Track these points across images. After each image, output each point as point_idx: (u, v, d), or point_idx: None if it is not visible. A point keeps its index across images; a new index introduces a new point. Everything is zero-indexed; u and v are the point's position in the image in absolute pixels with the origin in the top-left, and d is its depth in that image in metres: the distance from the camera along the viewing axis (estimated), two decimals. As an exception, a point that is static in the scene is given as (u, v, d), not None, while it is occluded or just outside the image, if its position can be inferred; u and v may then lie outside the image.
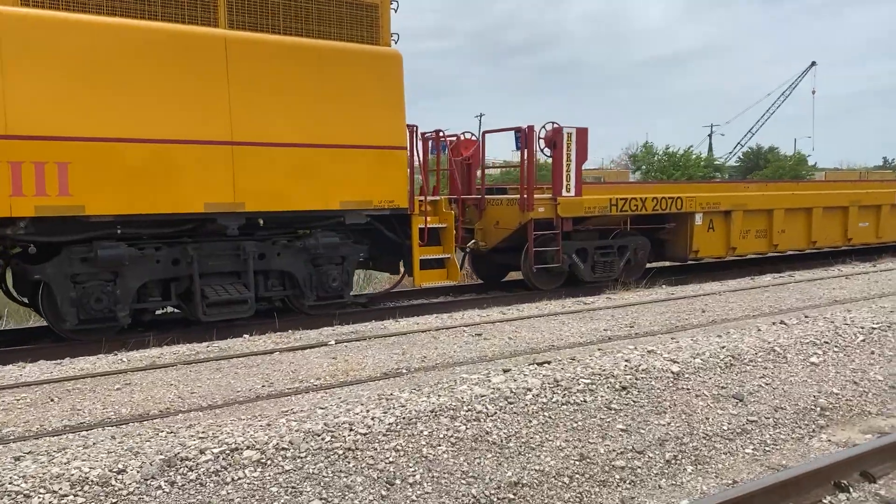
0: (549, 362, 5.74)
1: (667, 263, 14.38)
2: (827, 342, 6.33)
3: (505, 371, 5.40)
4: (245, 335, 7.78)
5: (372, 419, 4.24)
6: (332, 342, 7.14)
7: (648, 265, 14.45)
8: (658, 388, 5.10)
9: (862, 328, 6.76)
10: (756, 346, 6.07)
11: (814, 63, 77.90)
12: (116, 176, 7.93)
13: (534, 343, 7.10)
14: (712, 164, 37.82)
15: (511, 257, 12.24)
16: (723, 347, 5.99)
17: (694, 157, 36.46)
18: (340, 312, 9.77)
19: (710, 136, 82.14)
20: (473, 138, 13.42)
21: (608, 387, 5.03)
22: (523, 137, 11.50)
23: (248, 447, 3.83)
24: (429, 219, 10.75)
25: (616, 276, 12.60)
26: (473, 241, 12.23)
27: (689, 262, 13.91)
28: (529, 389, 4.85)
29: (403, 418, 4.29)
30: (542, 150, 11.87)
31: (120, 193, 7.98)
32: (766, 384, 5.42)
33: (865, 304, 8.52)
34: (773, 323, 7.34)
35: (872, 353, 6.23)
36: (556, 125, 11.70)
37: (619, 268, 12.66)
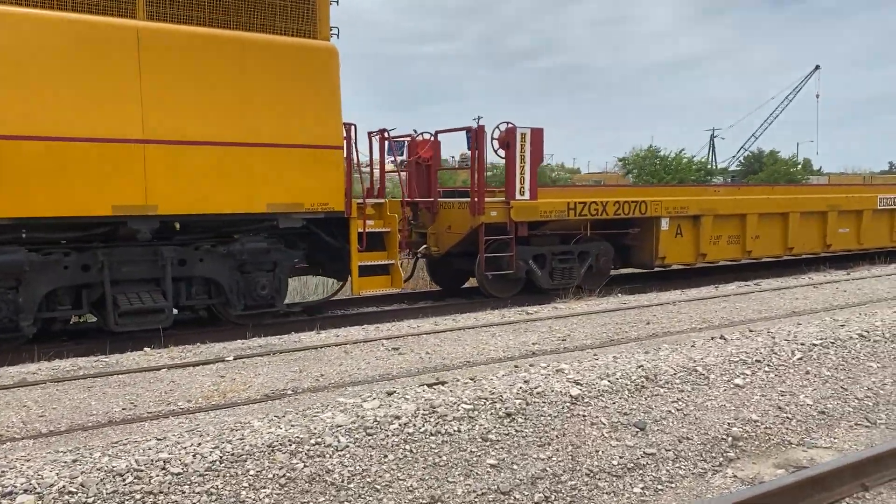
0: (442, 383, 5.19)
1: (636, 270, 13.81)
2: (759, 360, 5.75)
3: (389, 394, 4.85)
4: (146, 348, 7.24)
5: (194, 455, 3.69)
6: (231, 358, 6.60)
7: (617, 272, 13.92)
8: (549, 415, 4.54)
9: (803, 344, 6.18)
10: (679, 366, 5.50)
11: (818, 67, 77.41)
12: (12, 176, 7.41)
13: (449, 359, 6.54)
14: (705, 168, 37.16)
15: (468, 263, 11.69)
16: (640, 367, 5.42)
17: (686, 160, 35.84)
18: (258, 324, 9.22)
19: (712, 139, 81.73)
20: (432, 138, 12.87)
21: (492, 413, 4.47)
22: (474, 137, 10.95)
23: (25, 490, 3.29)
24: (371, 222, 10.22)
25: (576, 283, 12.04)
26: (425, 245, 11.69)
27: (656, 270, 13.34)
28: (398, 417, 4.29)
29: (233, 454, 3.74)
30: (495, 152, 11.33)
31: (16, 195, 7.46)
32: (678, 410, 4.85)
33: (820, 317, 7.94)
34: (713, 338, 6.77)
35: (807, 372, 5.66)
36: (510, 125, 11.16)
37: (580, 275, 12.10)
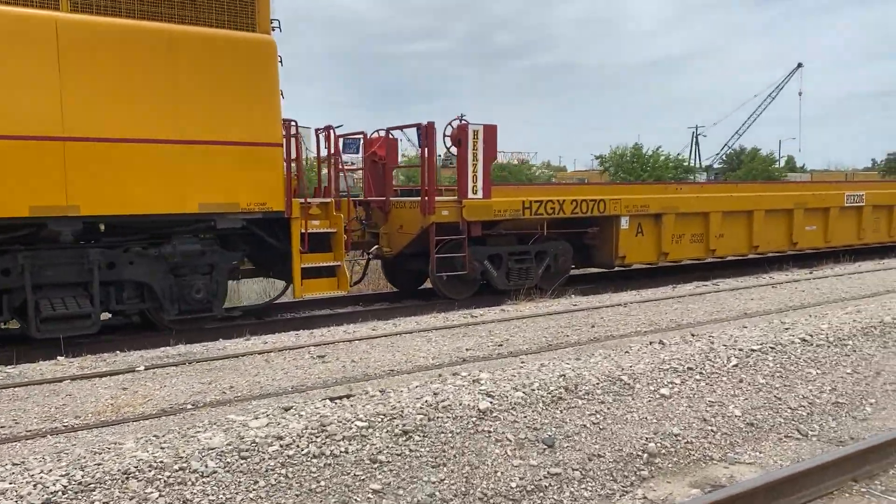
0: (349, 396, 4.86)
1: (598, 270, 13.53)
2: (692, 368, 5.47)
3: (285, 410, 4.51)
4: (59, 357, 6.86)
5: (35, 485, 3.34)
6: (142, 368, 6.23)
7: (582, 272, 13.63)
8: (451, 432, 4.22)
9: (741, 350, 5.90)
10: (604, 374, 5.20)
11: (800, 65, 77.58)
12: (-84, 176, 7.01)
13: (374, 368, 6.21)
14: (682, 165, 37.01)
15: (423, 263, 11.36)
16: (562, 376, 5.12)
17: (663, 157, 35.66)
18: (193, 329, 8.85)
19: (696, 137, 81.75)
20: (390, 136, 12.51)
21: (387, 431, 4.14)
22: (424, 134, 10.61)
23: None
24: (317, 222, 9.87)
25: (534, 283, 11.74)
26: (376, 246, 11.34)
27: (618, 269, 13.07)
28: (280, 438, 3.96)
29: (80, 482, 3.39)
30: (448, 149, 11.00)
31: (-78, 196, 7.06)
32: (594, 424, 4.55)
33: (769, 319, 7.68)
34: (651, 343, 6.48)
35: (741, 381, 5.38)
36: (462, 121, 10.83)
37: (538, 275, 11.80)
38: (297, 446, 3.91)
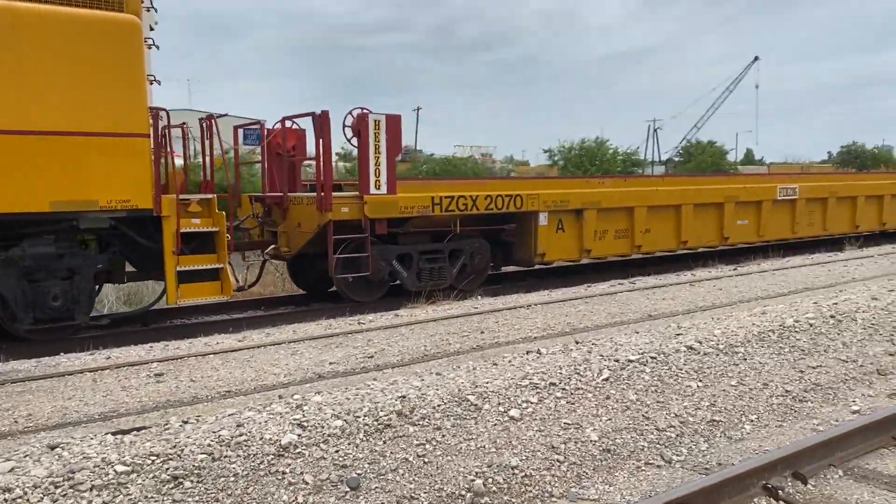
0: (140, 429, 4.13)
1: (522, 269, 12.95)
2: (555, 383, 4.86)
3: (52, 448, 3.77)
4: None
5: None
6: (-61, 391, 5.41)
7: (514, 270, 13.04)
8: (235, 476, 3.53)
9: (618, 361, 5.33)
10: (451, 394, 4.56)
11: (756, 58, 78.45)
12: None
13: (211, 388, 5.49)
14: (631, 159, 36.77)
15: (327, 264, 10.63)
16: (401, 397, 4.46)
17: (611, 150, 35.38)
18: (51, 339, 8.02)
19: (655, 131, 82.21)
20: (296, 128, 11.73)
21: (154, 477, 3.43)
22: (318, 124, 9.87)
23: None
24: (197, 221, 9.06)
25: (447, 284, 11.11)
26: (273, 246, 10.57)
27: (538, 267, 12.53)
28: (8, 490, 3.22)
29: None
30: (348, 140, 10.28)
31: None
32: (419, 457, 3.90)
33: (669, 322, 7.15)
34: (528, 352, 5.87)
35: (608, 397, 4.80)
36: (363, 110, 10.12)
37: (452, 275, 11.17)
38: (28, 501, 3.18)
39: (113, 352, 6.88)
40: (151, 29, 9.50)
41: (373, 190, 10.02)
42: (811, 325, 6.53)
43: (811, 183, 16.13)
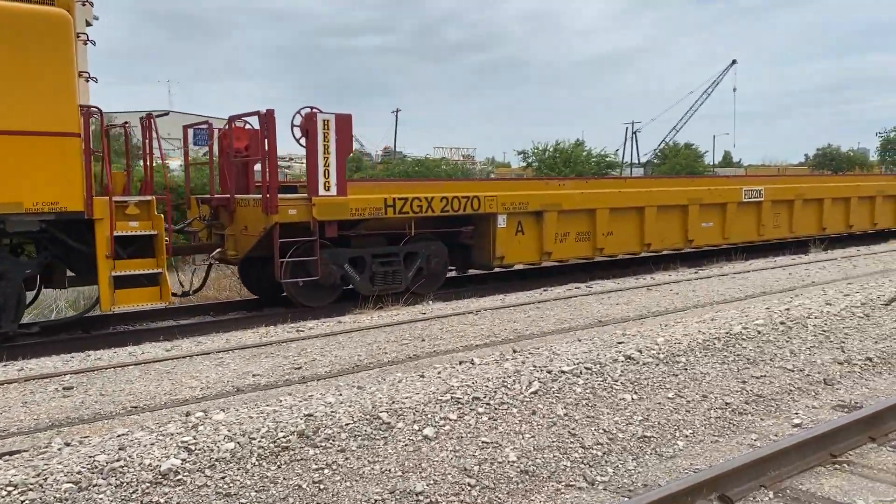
0: (17, 452, 3.78)
1: (484, 272, 12.66)
2: (479, 398, 4.57)
3: None
4: None
5: None
6: None
7: (478, 273, 12.74)
8: (100, 508, 3.19)
9: (550, 371, 5.05)
10: (363, 411, 4.26)
11: (734, 61, 78.99)
12: None
13: (119, 403, 5.14)
14: (605, 161, 36.65)
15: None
16: (307, 415, 4.15)
17: (585, 152, 35.24)
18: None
19: (634, 133, 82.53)
20: (250, 127, 11.36)
21: (6, 510, 3.09)
22: (263, 123, 9.52)
23: None
24: (135, 224, 8.68)
25: (403, 287, 10.80)
26: (219, 249, 10.20)
27: (497, 270, 12.25)
28: None
29: None
30: (297, 140, 9.94)
31: None
32: (315, 483, 3.57)
33: (615, 329, 6.90)
34: (462, 362, 5.58)
35: (534, 413, 4.52)
36: (312, 109, 9.78)
37: (408, 278, 10.85)
38: None
39: (28, 363, 6.49)
40: (89, 24, 9.11)
41: (322, 191, 9.68)
42: (759, 332, 6.31)
43: (777, 185, 16.03)
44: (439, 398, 4.52)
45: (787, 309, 7.16)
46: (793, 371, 5.67)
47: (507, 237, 11.59)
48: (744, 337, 6.15)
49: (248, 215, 9.88)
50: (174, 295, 10.14)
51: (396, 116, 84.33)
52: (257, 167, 11.73)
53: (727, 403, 4.99)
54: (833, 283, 9.68)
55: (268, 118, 9.41)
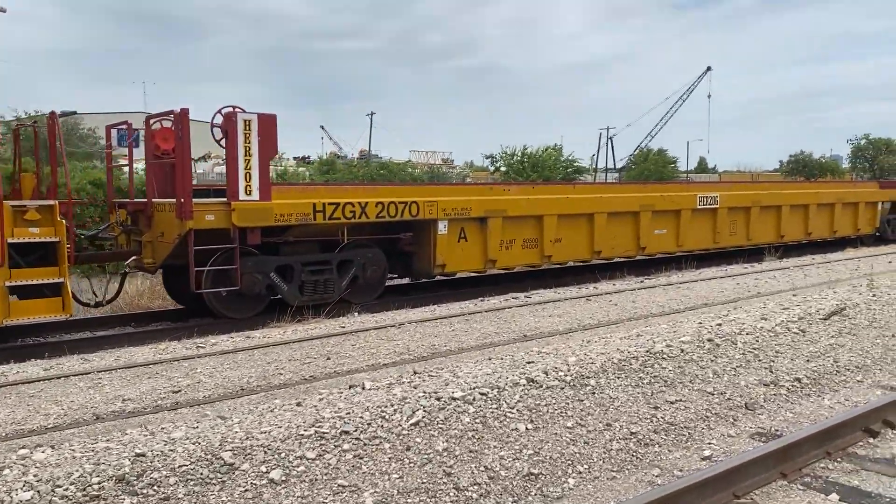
0: None
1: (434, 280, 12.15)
2: (349, 431, 4.06)
3: None
4: None
5: None
6: None
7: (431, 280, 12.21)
8: None
9: (440, 398, 4.56)
10: (205, 450, 3.72)
11: (709, 68, 79.45)
12: None
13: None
14: (573, 165, 36.32)
15: (201, 276, 9.67)
16: (140, 456, 3.61)
17: (553, 157, 34.90)
18: None
19: (610, 139, 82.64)
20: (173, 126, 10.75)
21: None
22: (177, 123, 8.94)
23: None
24: (36, 230, 8.06)
25: (337, 297, 10.27)
26: (134, 257, 9.58)
27: (441, 279, 11.77)
28: None
29: None
30: (217, 141, 9.38)
31: None
32: (119, 541, 3.06)
33: (529, 347, 6.44)
34: (352, 386, 5.08)
35: (408, 448, 4.02)
36: (233, 108, 9.22)
37: (341, 287, 10.32)
38: None
39: None
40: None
41: (243, 196, 9.11)
42: (683, 350, 5.87)
43: (733, 192, 15.73)
44: (302, 433, 4.00)
45: (720, 324, 6.74)
46: (713, 395, 5.24)
47: (448, 244, 11.11)
48: (665, 356, 5.71)
49: (164, 221, 9.28)
50: (87, 305, 9.57)
51: (371, 119, 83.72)
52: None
53: (633, 433, 4.54)
54: (778, 295, 9.33)
55: (182, 118, 8.84)
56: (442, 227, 10.97)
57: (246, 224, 9.18)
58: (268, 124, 9.26)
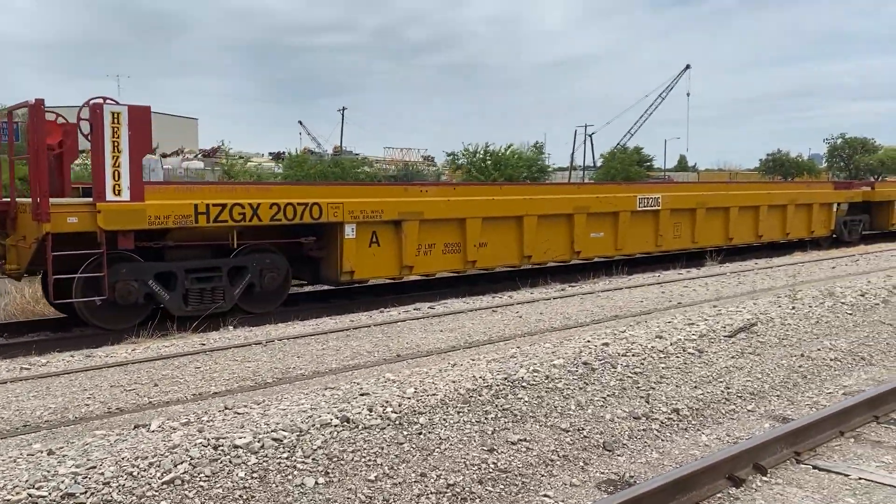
0: None
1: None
2: (74, 494, 3.28)
3: None
4: None
5: None
6: None
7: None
8: None
9: (217, 447, 3.78)
10: None
11: (688, 66, 79.36)
12: None
13: None
14: (537, 164, 35.63)
15: (82, 283, 8.80)
16: None
17: (516, 156, 34.22)
18: None
19: (591, 136, 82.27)
20: (63, 121, 9.87)
21: None
22: (31, 116, 8.07)
23: None
24: None
25: (230, 306, 9.47)
26: (-3, 263, 8.70)
27: (347, 287, 10.99)
28: None
29: None
30: (86, 136, 8.52)
31: None
32: None
33: (396, 369, 5.67)
34: (137, 426, 4.27)
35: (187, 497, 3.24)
36: (102, 99, 8.37)
37: (234, 296, 9.51)
38: None
39: None
40: None
41: (111, 196, 8.27)
42: (548, 376, 5.14)
43: (677, 193, 15.10)
44: (10, 498, 3.20)
45: (606, 343, 6.02)
46: (567, 431, 4.51)
47: (357, 249, 10.32)
48: (524, 384, 4.97)
49: (25, 223, 8.41)
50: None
51: (343, 115, 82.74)
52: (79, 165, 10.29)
53: (450, 485, 3.78)
54: (698, 306, 8.65)
55: (35, 110, 7.97)
56: (349, 231, 10.18)
57: (114, 227, 8.33)
58: (140, 117, 8.41)
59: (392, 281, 11.38)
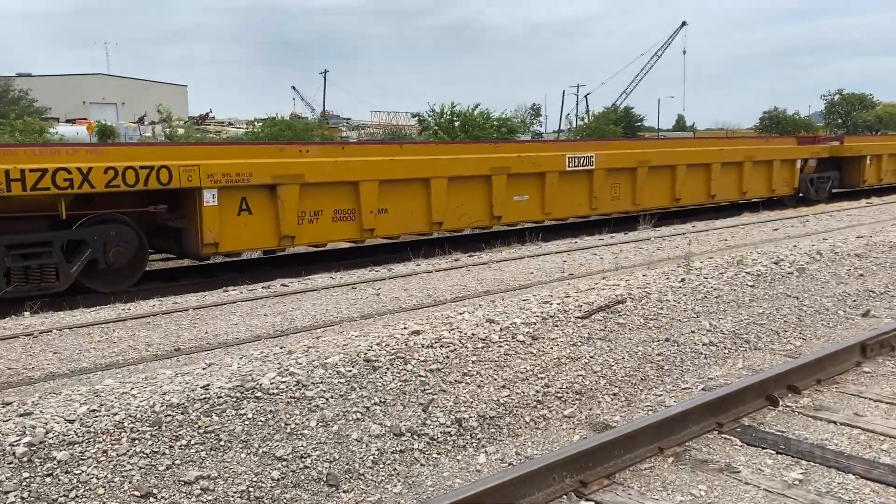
0: None
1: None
2: None
3: None
4: None
5: None
6: None
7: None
8: None
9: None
10: None
11: (684, 23, 77.45)
12: None
13: None
14: (507, 124, 34.06)
15: None
16: None
17: (484, 115, 32.67)
18: None
19: (585, 97, 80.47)
20: None
21: None
22: None
23: None
24: None
25: (65, 286, 8.30)
26: None
27: (213, 261, 9.83)
28: None
29: None
30: None
31: None
32: None
33: (208, 358, 4.54)
34: None
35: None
36: None
37: (71, 274, 8.34)
38: None
39: None
40: None
41: None
42: (300, 382, 3.98)
43: (612, 151, 13.83)
44: None
45: (417, 332, 4.86)
46: (282, 461, 3.38)
47: (222, 218, 9.11)
48: (260, 394, 3.82)
49: None
50: None
51: (325, 78, 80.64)
52: None
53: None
54: (588, 278, 7.51)
55: None
56: (209, 198, 8.96)
57: None
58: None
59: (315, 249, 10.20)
